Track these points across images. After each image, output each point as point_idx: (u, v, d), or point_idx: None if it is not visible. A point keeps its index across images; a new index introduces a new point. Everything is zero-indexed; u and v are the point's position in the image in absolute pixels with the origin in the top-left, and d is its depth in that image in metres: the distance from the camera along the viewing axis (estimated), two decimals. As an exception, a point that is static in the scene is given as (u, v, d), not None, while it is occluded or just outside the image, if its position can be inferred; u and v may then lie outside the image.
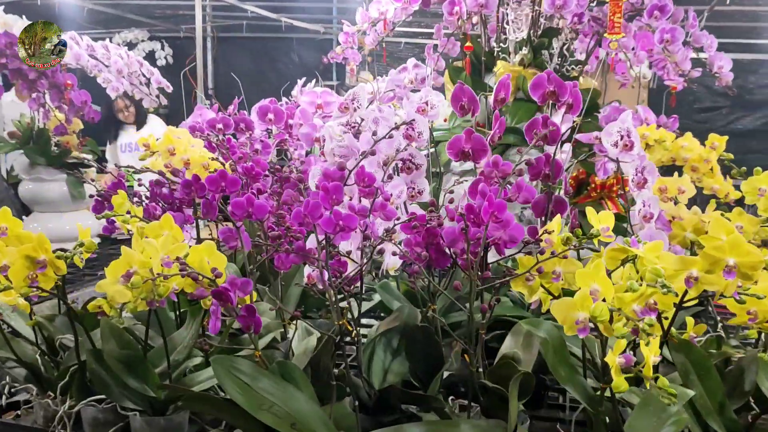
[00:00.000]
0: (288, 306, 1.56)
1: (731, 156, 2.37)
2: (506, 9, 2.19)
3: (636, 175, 1.29)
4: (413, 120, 1.46)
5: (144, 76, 3.38)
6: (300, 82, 2.27)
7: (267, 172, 1.65)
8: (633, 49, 2.53)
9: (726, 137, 2.24)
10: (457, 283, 0.98)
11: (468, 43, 2.01)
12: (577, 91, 1.59)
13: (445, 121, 2.80)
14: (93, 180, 2.77)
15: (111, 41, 6.04)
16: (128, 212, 1.21)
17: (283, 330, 1.18)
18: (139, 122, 4.71)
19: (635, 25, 2.25)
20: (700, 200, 1.68)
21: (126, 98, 4.37)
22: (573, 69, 2.33)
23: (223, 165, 1.53)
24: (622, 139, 1.30)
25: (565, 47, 2.24)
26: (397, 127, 1.32)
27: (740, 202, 2.92)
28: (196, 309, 1.17)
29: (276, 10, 5.10)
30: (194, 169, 1.39)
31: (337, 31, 5.76)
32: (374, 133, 1.38)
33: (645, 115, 2.71)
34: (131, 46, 6.11)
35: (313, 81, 2.30)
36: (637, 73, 2.71)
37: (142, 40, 6.09)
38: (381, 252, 1.03)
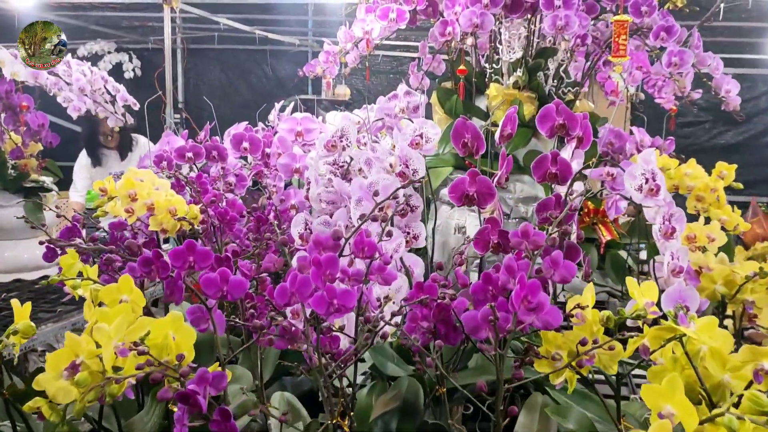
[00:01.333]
0: (266, 366, 1.38)
1: (741, 186, 2.25)
2: (499, 28, 2.04)
3: (663, 223, 1.14)
4: (408, 157, 1.30)
5: (109, 93, 3.18)
6: (277, 105, 2.09)
7: (244, 212, 1.47)
8: (627, 68, 2.40)
9: (734, 166, 2.12)
10: (481, 384, 0.81)
11: (462, 66, 1.85)
12: (587, 123, 1.44)
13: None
14: (58, 207, 2.57)
15: (76, 53, 5.86)
16: (80, 274, 1.02)
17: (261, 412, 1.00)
18: (122, 149, 4.37)
19: (632, 44, 2.13)
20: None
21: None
22: (569, 91, 2.19)
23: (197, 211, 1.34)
24: (647, 182, 1.15)
25: (561, 68, 2.10)
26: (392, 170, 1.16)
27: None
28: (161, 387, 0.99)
29: (249, 22, 4.91)
30: (159, 215, 1.21)
31: (313, 43, 5.59)
32: (364, 164, 1.22)
33: (640, 137, 2.58)
34: (97, 57, 5.87)
35: (291, 105, 2.13)
36: (630, 94, 2.60)
37: (109, 52, 5.85)
38: (384, 337, 0.86)
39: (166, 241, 1.95)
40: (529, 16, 1.97)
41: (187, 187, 1.47)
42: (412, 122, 1.40)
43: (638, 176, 1.15)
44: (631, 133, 2.51)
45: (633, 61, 2.23)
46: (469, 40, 1.77)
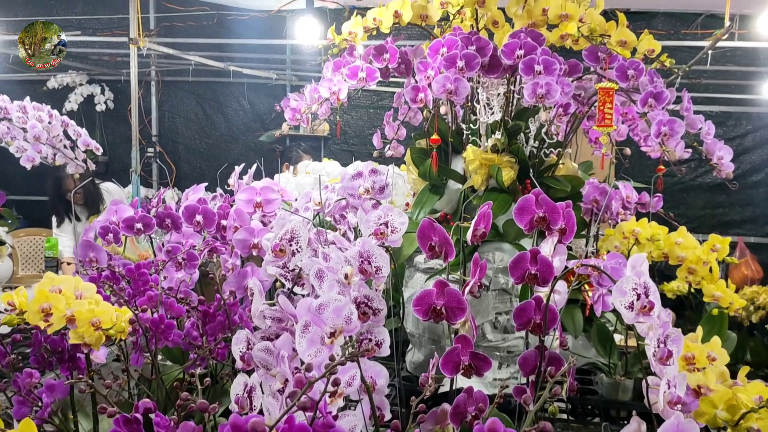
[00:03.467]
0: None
1: (735, 260, 2.12)
2: (476, 87, 1.91)
3: (658, 346, 0.99)
4: (370, 253, 1.14)
5: (69, 138, 3.01)
6: (237, 169, 1.94)
7: (189, 306, 1.31)
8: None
9: (728, 240, 1.99)
10: None
11: (435, 135, 1.71)
12: (570, 213, 1.29)
13: (407, 206, 2.49)
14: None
15: (46, 84, 5.67)
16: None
17: None
18: (91, 204, 4.16)
19: (616, 99, 2.00)
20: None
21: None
22: (552, 153, 2.06)
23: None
24: (638, 299, 1.00)
25: (543, 130, 1.96)
26: (347, 280, 1.00)
27: (750, 331, 2.66)
28: None
29: (223, 59, 4.78)
30: (81, 328, 1.04)
31: (291, 77, 5.46)
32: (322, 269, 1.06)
33: (626, 192, 2.45)
34: (69, 89, 5.69)
35: (254, 167, 1.97)
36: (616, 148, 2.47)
37: (80, 84, 5.67)
38: None
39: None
40: (507, 76, 1.84)
41: (123, 282, 1.31)
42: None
43: (629, 291, 1.00)
44: (617, 187, 2.39)
45: (616, 114, 2.11)
46: (443, 108, 1.63)
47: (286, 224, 1.13)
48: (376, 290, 1.17)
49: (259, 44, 4.88)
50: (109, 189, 4.41)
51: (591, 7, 2.05)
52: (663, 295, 2.32)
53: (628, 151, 2.51)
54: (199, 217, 1.67)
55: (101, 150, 3.27)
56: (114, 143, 5.77)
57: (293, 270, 1.12)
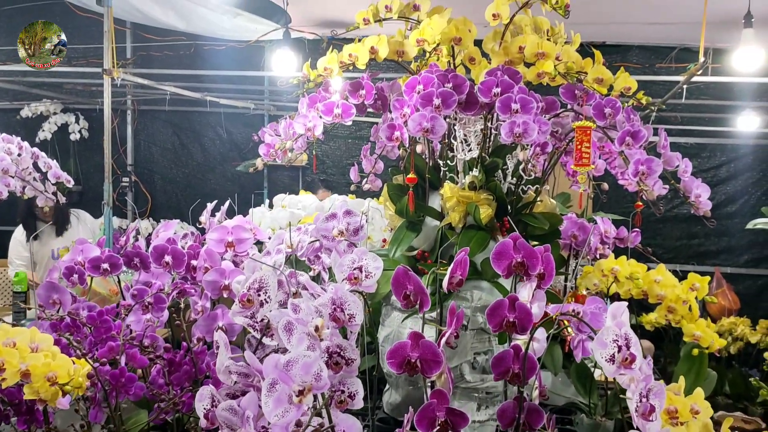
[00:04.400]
0: None
1: (714, 299, 2.11)
2: (453, 124, 1.88)
3: (641, 401, 0.96)
4: (343, 300, 1.10)
5: (39, 170, 2.94)
6: (209, 206, 1.89)
7: (155, 353, 1.25)
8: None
9: (707, 279, 1.97)
10: None
11: (411, 174, 1.68)
12: (549, 257, 1.26)
13: (384, 242, 2.46)
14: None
15: (19, 113, 5.59)
16: None
17: None
18: (59, 225, 4.10)
19: (594, 135, 1.99)
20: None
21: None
22: (529, 189, 2.04)
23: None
24: (620, 351, 0.97)
25: (521, 167, 1.94)
26: (317, 333, 0.95)
27: (729, 362, 2.65)
28: None
29: (200, 89, 4.74)
30: (36, 383, 0.98)
31: (269, 106, 5.43)
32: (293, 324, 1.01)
33: (604, 227, 2.44)
34: (43, 118, 5.61)
35: (226, 203, 1.93)
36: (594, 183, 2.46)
37: (55, 113, 5.60)
38: None
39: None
40: (485, 113, 1.82)
41: (86, 328, 1.25)
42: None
43: (609, 343, 0.97)
44: (595, 222, 2.37)
45: (595, 149, 2.10)
46: (419, 147, 1.60)
47: (255, 272, 1.08)
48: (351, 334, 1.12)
49: (237, 74, 4.86)
50: (80, 215, 4.33)
51: (567, 43, 2.05)
52: (641, 327, 2.30)
53: (605, 186, 2.50)
54: (168, 258, 1.62)
55: (72, 182, 3.20)
56: (88, 172, 5.68)
57: (262, 320, 1.08)
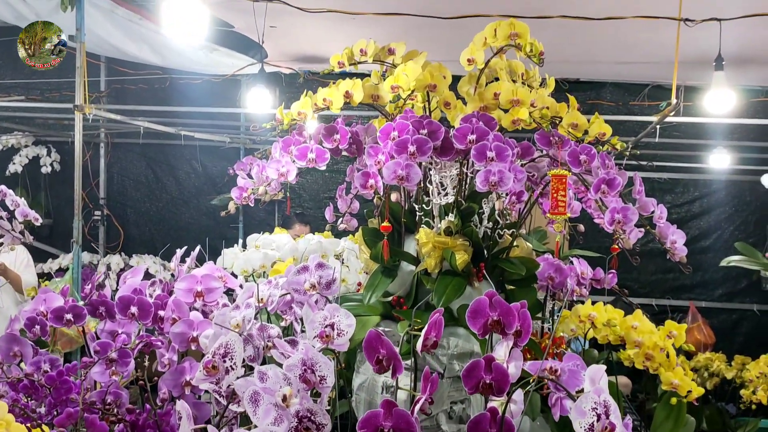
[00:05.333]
0: None
1: (692, 347, 2.09)
2: (428, 169, 1.86)
3: (622, 472, 0.92)
4: (314, 361, 1.06)
5: (6, 209, 2.87)
6: (179, 252, 1.84)
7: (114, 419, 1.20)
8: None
9: (684, 326, 1.96)
10: None
11: (386, 223, 1.66)
12: (525, 314, 1.23)
13: (359, 286, 2.42)
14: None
15: (-11, 146, 5.50)
16: None
17: None
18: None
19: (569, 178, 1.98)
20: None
21: None
22: (505, 233, 2.02)
23: None
24: (599, 419, 0.94)
25: (496, 212, 1.92)
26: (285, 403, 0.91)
27: (705, 398, 2.63)
28: None
29: (175, 123, 4.71)
30: (-14, 457, 0.93)
31: (246, 140, 5.40)
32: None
33: (581, 269, 2.42)
34: (14, 150, 5.52)
35: (197, 248, 1.88)
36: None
37: (26, 146, 5.51)
38: None
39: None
40: (460, 158, 1.81)
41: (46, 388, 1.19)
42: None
43: (588, 411, 0.94)
44: (571, 263, 2.36)
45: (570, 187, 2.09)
46: (394, 196, 1.58)
47: (220, 337, 1.04)
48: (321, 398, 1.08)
49: (213, 111, 4.84)
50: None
51: (543, 85, 2.05)
52: (619, 363, 2.28)
53: (581, 227, 2.50)
54: (134, 309, 1.57)
55: (40, 220, 3.12)
56: (59, 206, 5.59)
57: (229, 385, 1.03)
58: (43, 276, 4.82)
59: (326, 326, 1.19)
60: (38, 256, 5.15)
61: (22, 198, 3.03)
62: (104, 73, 5.57)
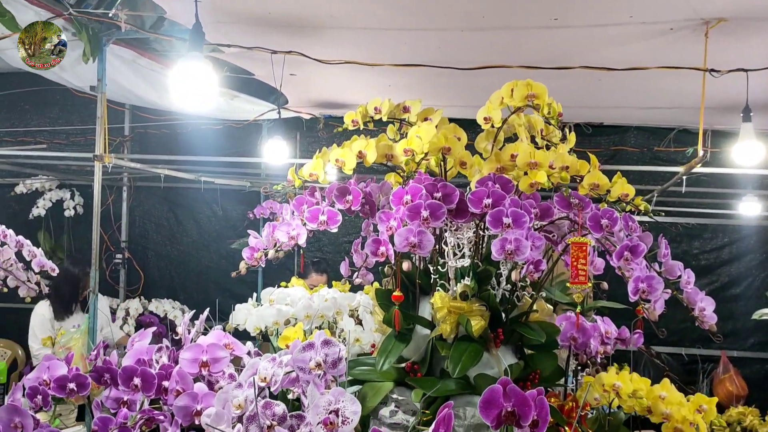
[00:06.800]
0: None
1: (723, 423, 1.99)
2: (443, 230, 1.81)
3: None
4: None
5: (22, 260, 2.87)
6: (186, 317, 1.79)
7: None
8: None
9: (715, 399, 1.85)
10: None
11: (397, 292, 1.59)
12: (543, 401, 1.16)
13: (372, 348, 2.34)
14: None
15: (14, 189, 5.55)
16: None
17: None
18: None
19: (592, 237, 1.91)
20: None
21: None
22: (524, 296, 1.94)
23: None
24: None
25: (513, 274, 1.85)
26: None
27: None
28: None
29: (195, 169, 4.72)
30: None
31: (265, 184, 5.38)
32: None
33: (605, 328, 2.33)
34: (38, 194, 5.57)
35: (205, 312, 1.83)
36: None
37: (50, 189, 5.56)
38: None
39: None
40: (477, 220, 1.75)
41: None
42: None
43: None
44: (594, 320, 2.27)
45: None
46: (405, 265, 1.52)
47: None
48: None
49: (233, 154, 4.86)
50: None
51: (563, 142, 1.99)
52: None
53: (605, 285, 2.41)
54: (137, 381, 1.52)
55: (56, 270, 3.12)
56: (82, 248, 5.59)
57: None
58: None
59: (331, 412, 1.12)
60: (60, 299, 5.15)
61: (40, 248, 3.05)
62: (128, 119, 5.63)
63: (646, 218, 2.48)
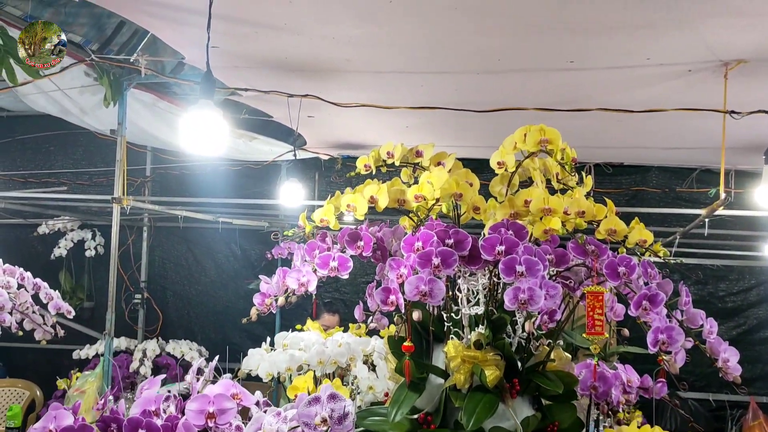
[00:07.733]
0: None
1: None
2: (456, 276, 1.77)
3: None
4: None
5: (39, 303, 2.87)
6: (195, 364, 1.76)
7: None
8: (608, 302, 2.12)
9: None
10: None
11: (407, 343, 1.56)
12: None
13: (386, 397, 2.29)
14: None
15: (36, 230, 5.63)
16: None
17: None
18: None
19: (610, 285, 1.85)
20: None
21: None
22: (541, 344, 1.89)
23: None
24: None
25: (527, 325, 1.80)
26: None
27: None
28: None
29: (214, 210, 4.77)
30: None
31: (284, 224, 5.40)
32: None
33: (627, 376, 2.27)
34: (60, 234, 5.64)
35: (215, 360, 1.80)
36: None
37: (72, 229, 5.63)
38: None
39: None
40: (491, 267, 1.71)
41: None
42: None
43: None
44: (615, 368, 2.20)
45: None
46: (416, 314, 1.48)
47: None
48: None
49: (253, 194, 4.90)
50: None
51: (579, 185, 1.95)
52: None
53: (626, 332, 2.34)
54: (142, 432, 1.49)
55: (73, 313, 3.11)
56: (102, 288, 5.62)
57: None
58: (80, 363, 4.80)
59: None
60: (79, 339, 5.16)
61: (57, 291, 3.05)
62: (150, 160, 5.71)
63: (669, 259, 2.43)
